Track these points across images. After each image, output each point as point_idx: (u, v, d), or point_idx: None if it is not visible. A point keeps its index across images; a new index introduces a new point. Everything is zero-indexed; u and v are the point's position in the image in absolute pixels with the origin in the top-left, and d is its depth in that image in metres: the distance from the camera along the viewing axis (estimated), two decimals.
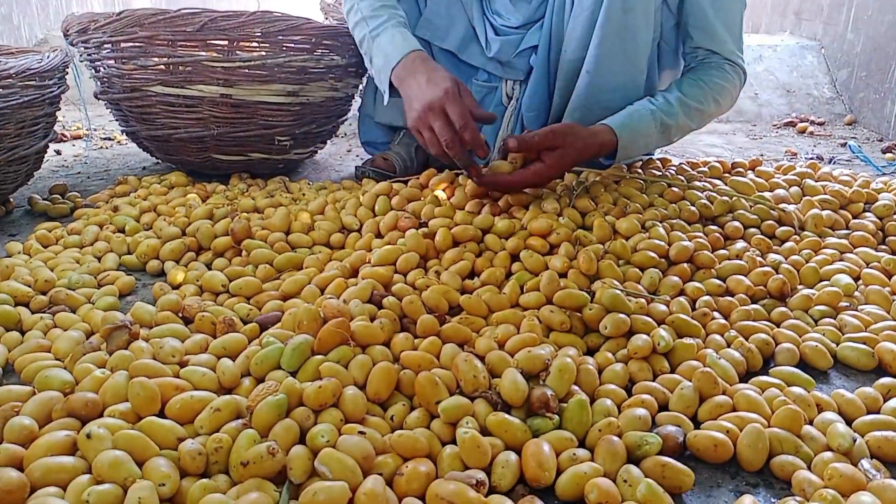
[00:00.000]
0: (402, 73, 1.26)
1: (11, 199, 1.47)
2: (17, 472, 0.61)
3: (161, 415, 0.73)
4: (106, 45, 1.53)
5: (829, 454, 0.72)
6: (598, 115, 1.33)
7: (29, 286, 1.03)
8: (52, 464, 0.64)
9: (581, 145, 1.21)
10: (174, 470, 0.65)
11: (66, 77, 1.46)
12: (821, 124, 2.62)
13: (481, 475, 0.66)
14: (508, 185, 1.21)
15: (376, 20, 1.35)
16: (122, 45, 1.50)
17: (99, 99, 1.64)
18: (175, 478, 0.64)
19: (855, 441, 0.72)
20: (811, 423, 0.78)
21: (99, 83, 1.63)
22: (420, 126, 1.19)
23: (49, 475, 0.63)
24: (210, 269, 1.12)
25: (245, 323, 0.95)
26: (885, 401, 0.83)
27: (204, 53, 1.50)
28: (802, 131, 2.51)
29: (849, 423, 0.78)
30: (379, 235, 1.19)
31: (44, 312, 0.98)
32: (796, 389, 0.83)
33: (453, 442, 0.72)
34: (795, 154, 2.14)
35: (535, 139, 1.17)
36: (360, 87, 1.79)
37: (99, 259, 1.17)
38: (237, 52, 1.50)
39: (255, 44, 1.52)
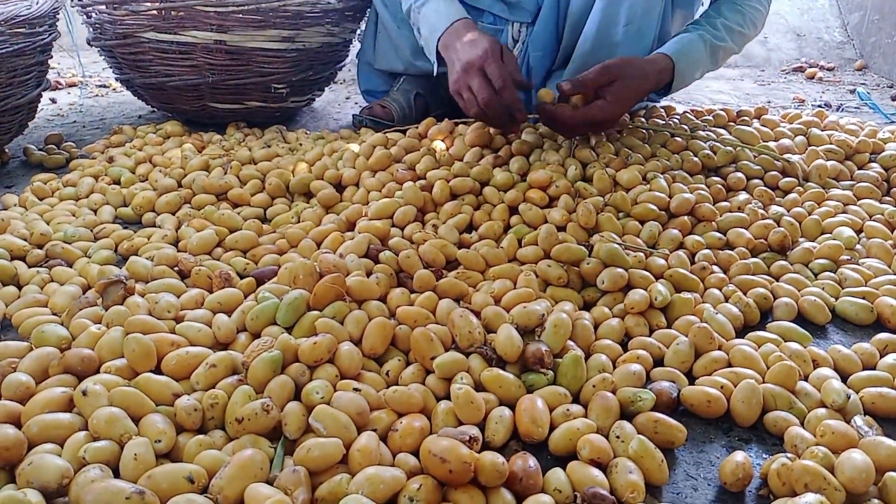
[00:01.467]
0: (448, 41, 1.23)
1: (7, 150, 1.46)
2: (15, 429, 0.62)
3: (157, 371, 0.73)
4: None
5: (822, 410, 0.72)
6: (607, 51, 1.31)
7: (25, 240, 1.02)
8: (49, 420, 0.64)
9: (639, 74, 1.18)
10: (170, 426, 0.65)
11: (58, 23, 1.42)
12: (830, 69, 2.57)
13: (474, 431, 0.66)
14: (572, 123, 1.16)
15: None
16: None
17: (91, 45, 1.61)
18: (171, 434, 0.65)
19: (849, 397, 0.72)
20: (806, 378, 0.78)
21: (91, 29, 1.59)
22: (460, 87, 1.15)
23: (46, 432, 0.64)
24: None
25: (241, 277, 0.94)
26: (881, 356, 0.83)
27: None
28: (811, 77, 2.45)
29: (844, 378, 0.78)
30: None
31: (40, 267, 0.98)
32: (792, 345, 0.83)
33: (448, 397, 0.72)
34: (803, 101, 2.09)
35: (589, 77, 1.14)
36: (358, 31, 1.74)
37: (95, 211, 1.16)
38: None
39: None
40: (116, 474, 0.61)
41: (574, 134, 1.20)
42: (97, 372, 0.72)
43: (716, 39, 1.32)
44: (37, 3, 1.32)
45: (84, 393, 0.66)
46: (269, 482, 0.60)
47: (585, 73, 1.16)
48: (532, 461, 0.63)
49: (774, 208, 1.14)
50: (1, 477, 0.61)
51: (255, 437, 0.65)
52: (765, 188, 1.19)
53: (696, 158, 1.24)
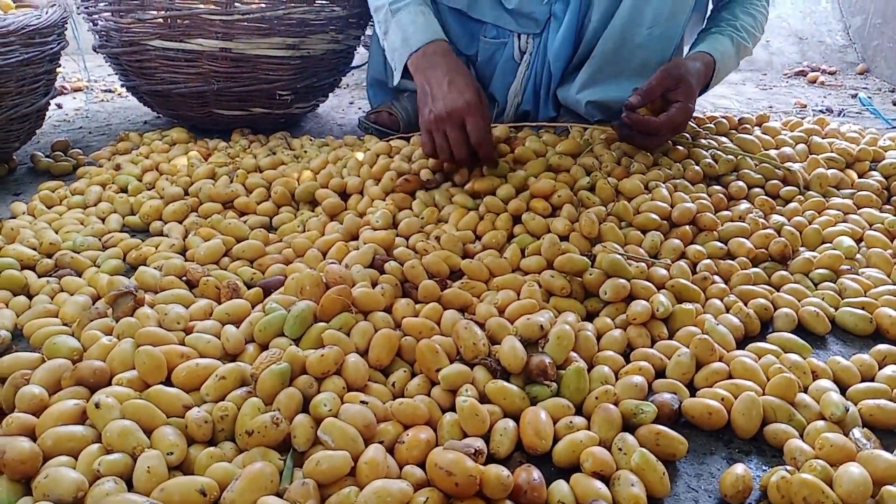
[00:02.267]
0: (422, 64, 1.20)
1: (14, 157, 1.47)
2: (30, 443, 0.63)
3: (168, 382, 0.75)
4: None
5: (821, 423, 0.73)
6: (628, 53, 1.33)
7: (34, 249, 1.04)
8: (63, 433, 0.66)
9: (694, 72, 1.22)
10: (181, 438, 0.67)
11: (66, 32, 1.44)
12: (832, 73, 2.57)
13: (479, 443, 0.68)
14: (662, 130, 1.19)
15: None
16: None
17: (98, 52, 1.62)
18: (183, 446, 0.66)
19: (847, 410, 0.74)
20: (806, 390, 0.79)
21: (97, 37, 1.60)
22: (434, 129, 1.15)
23: (60, 444, 0.65)
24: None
25: (248, 287, 0.96)
26: (880, 368, 0.84)
27: (202, 6, 1.47)
28: (813, 81, 2.46)
29: (843, 390, 0.79)
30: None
31: (50, 276, 0.99)
32: (792, 356, 0.84)
33: (453, 409, 0.73)
34: (805, 106, 2.10)
35: (653, 84, 1.18)
36: (362, 38, 1.75)
37: (103, 220, 1.17)
38: (236, 4, 1.47)
39: None
40: (130, 486, 0.62)
41: (660, 142, 1.22)
42: (109, 384, 0.74)
43: (740, 38, 1.35)
44: (46, 13, 1.33)
45: (97, 405, 0.67)
46: (279, 494, 0.61)
47: (647, 83, 1.18)
48: (536, 473, 0.64)
49: (775, 217, 1.15)
50: (17, 489, 0.62)
51: (264, 450, 0.66)
52: (766, 197, 1.20)
53: (697, 167, 1.25)
